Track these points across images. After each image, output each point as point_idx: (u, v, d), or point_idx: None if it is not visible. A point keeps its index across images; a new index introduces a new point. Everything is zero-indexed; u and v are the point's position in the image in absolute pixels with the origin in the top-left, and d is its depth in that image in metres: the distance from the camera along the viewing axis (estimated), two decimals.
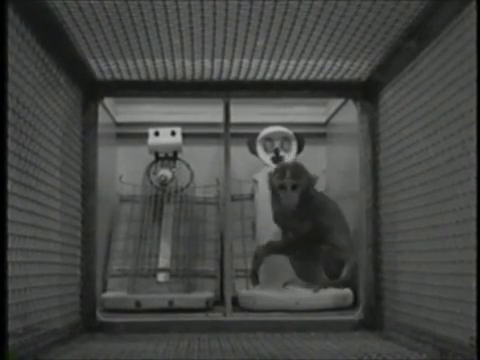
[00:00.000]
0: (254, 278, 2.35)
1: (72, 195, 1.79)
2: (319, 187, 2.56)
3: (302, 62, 1.78)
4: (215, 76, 1.90)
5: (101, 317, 1.91)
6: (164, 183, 2.53)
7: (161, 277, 2.36)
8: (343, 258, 2.25)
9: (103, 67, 1.80)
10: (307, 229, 2.28)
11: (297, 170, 2.25)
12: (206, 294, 2.26)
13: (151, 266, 2.38)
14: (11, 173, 1.19)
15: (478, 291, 1.12)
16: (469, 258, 1.17)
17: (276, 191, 2.25)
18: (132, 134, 2.76)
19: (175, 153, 2.59)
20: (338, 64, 1.79)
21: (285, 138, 2.62)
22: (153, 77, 1.90)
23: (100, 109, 1.99)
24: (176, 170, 2.57)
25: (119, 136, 2.78)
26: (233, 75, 1.89)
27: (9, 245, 1.14)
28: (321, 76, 1.90)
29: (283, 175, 2.22)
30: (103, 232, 2.38)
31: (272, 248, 2.37)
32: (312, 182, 2.28)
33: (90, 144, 1.92)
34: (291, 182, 2.21)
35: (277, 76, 1.90)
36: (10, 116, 1.19)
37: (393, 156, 1.75)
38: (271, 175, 2.28)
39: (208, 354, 1.48)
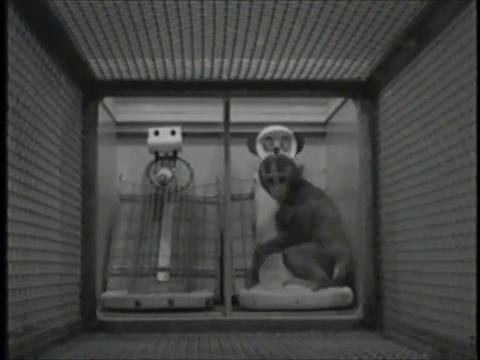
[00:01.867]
0: (254, 277, 2.35)
1: (72, 194, 1.79)
2: (319, 186, 2.57)
3: (302, 61, 1.78)
4: (215, 76, 1.90)
5: (101, 316, 1.91)
6: (164, 182, 2.53)
7: (161, 276, 2.36)
8: (333, 254, 2.26)
9: (103, 67, 1.80)
10: (304, 213, 2.36)
11: (282, 162, 2.40)
12: (206, 293, 2.26)
13: (151, 265, 2.38)
14: (11, 172, 1.19)
15: (478, 290, 1.12)
16: (469, 257, 1.17)
17: (265, 184, 2.42)
18: (132, 133, 2.76)
19: (175, 152, 2.59)
20: (338, 63, 1.79)
21: (285, 137, 2.62)
22: (153, 77, 1.90)
23: (100, 108, 1.99)
24: (176, 169, 2.57)
25: (119, 135, 2.78)
26: (233, 74, 1.89)
27: (9, 244, 1.14)
28: (321, 75, 1.90)
29: (269, 169, 2.40)
30: (103, 231, 2.38)
31: (273, 246, 2.38)
32: (298, 172, 2.42)
33: (90, 143, 1.92)
34: (278, 175, 2.38)
35: (277, 75, 1.90)
36: (10, 115, 1.19)
37: (393, 155, 1.75)
38: (259, 170, 2.44)
39: (208, 354, 1.48)
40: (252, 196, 2.65)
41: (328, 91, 2.02)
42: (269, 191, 2.41)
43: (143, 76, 1.89)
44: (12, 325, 1.16)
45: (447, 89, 1.33)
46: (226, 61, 1.77)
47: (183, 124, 2.60)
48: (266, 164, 2.42)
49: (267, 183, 2.41)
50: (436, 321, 1.40)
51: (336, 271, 2.25)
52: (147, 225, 2.48)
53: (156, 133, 2.54)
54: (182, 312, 2.08)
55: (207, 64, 1.79)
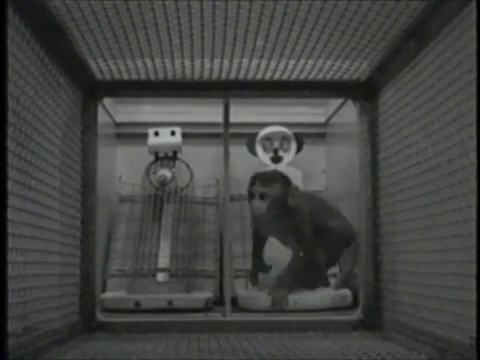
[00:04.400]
0: (254, 278, 2.35)
1: (72, 195, 1.79)
2: (319, 187, 2.57)
3: (301, 62, 1.78)
4: (214, 76, 1.90)
5: (100, 317, 1.91)
6: (164, 183, 2.53)
7: (160, 277, 2.36)
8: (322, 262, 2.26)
9: (103, 67, 1.80)
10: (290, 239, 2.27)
11: (268, 180, 2.18)
12: (205, 294, 2.27)
13: (150, 266, 2.38)
14: (11, 173, 1.19)
15: (478, 291, 1.12)
16: (469, 258, 1.17)
17: (249, 197, 2.19)
18: (132, 134, 2.77)
19: (175, 153, 2.59)
20: (337, 64, 1.79)
21: (284, 138, 2.63)
22: (153, 77, 1.90)
23: (100, 109, 1.99)
24: (176, 170, 2.57)
25: (119, 136, 2.79)
26: (233, 75, 1.89)
27: (9, 245, 1.14)
28: (321, 76, 1.90)
29: (253, 183, 2.18)
30: (103, 232, 2.38)
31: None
32: (288, 193, 2.18)
33: (90, 144, 1.91)
34: (259, 191, 2.15)
35: (276, 76, 1.90)
36: (10, 116, 1.19)
37: (393, 156, 1.75)
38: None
39: (207, 354, 1.48)
40: None
41: (328, 92, 2.02)
42: (250, 205, 2.19)
43: (143, 76, 1.89)
44: (12, 325, 1.16)
45: (446, 90, 1.33)
46: (226, 61, 1.76)
47: (183, 125, 2.60)
48: (252, 178, 2.21)
49: (249, 196, 2.19)
50: (435, 322, 1.40)
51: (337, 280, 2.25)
52: (147, 226, 2.48)
53: (156, 134, 2.54)
54: (182, 313, 2.08)
55: (207, 64, 1.79)
